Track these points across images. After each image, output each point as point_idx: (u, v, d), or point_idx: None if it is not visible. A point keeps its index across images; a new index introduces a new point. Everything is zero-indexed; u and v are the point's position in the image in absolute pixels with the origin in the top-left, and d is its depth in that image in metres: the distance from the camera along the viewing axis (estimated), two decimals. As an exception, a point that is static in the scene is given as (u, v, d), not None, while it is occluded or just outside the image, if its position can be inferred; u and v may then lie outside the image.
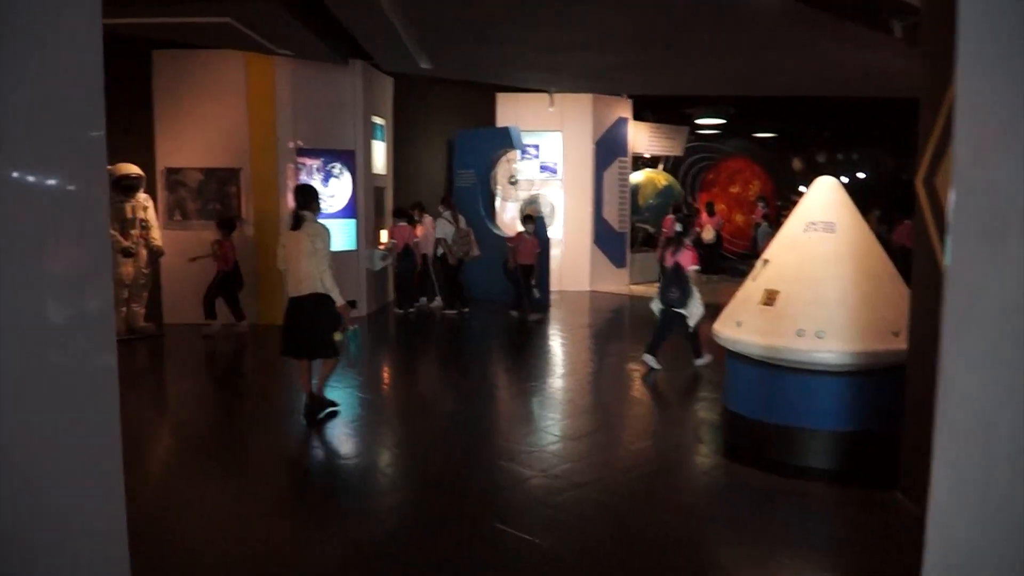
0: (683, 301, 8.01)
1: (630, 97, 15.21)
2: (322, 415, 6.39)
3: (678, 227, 8.34)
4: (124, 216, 9.71)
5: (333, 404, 6.59)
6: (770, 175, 20.01)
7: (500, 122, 14.55)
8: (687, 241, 8.13)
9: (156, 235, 10.05)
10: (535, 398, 7.34)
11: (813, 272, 5.34)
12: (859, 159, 20.15)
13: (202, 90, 10.64)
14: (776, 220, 17.47)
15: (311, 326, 6.24)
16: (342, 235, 11.33)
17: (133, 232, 9.80)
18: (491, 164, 13.57)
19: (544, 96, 14.61)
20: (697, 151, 19.19)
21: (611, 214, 15.21)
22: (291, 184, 10.68)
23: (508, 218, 14.60)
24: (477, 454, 5.71)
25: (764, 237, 17.51)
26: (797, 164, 20.27)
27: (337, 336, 6.28)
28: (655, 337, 8.27)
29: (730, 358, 5.74)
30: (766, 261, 5.75)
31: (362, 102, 11.28)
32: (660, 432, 6.32)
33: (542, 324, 11.55)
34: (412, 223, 12.22)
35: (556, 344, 10.16)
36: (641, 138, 16.03)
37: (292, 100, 10.67)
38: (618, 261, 15.49)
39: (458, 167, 13.72)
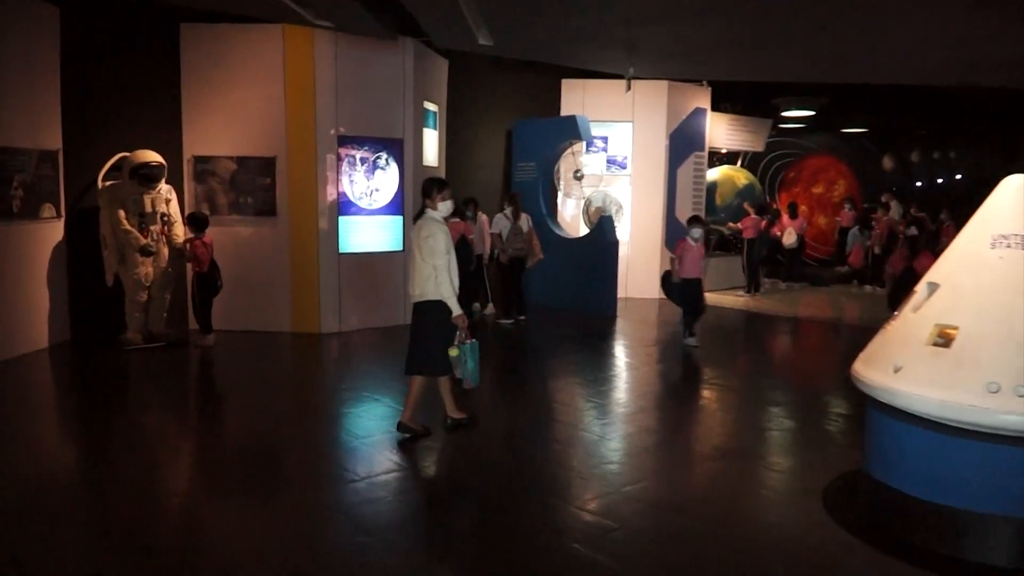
0: None
1: (709, 85, 13.72)
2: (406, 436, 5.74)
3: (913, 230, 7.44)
4: (143, 210, 8.66)
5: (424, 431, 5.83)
6: (857, 175, 18.28)
7: (565, 110, 13.22)
8: None
9: (180, 231, 8.99)
10: (608, 446, 6.01)
11: (1008, 303, 3.92)
12: (957, 159, 18.26)
13: (235, 69, 9.53)
14: (864, 223, 15.80)
15: (419, 338, 5.67)
16: (387, 234, 10.16)
17: (153, 228, 8.74)
18: (554, 157, 12.26)
19: (614, 83, 13.21)
20: (777, 147, 17.54)
21: (684, 214, 13.72)
22: (331, 176, 9.54)
23: (570, 216, 13.28)
24: (548, 521, 4.43)
25: (854, 242, 15.89)
26: (888, 163, 18.49)
27: (453, 351, 5.57)
28: None
29: (877, 411, 4.33)
30: (932, 284, 4.32)
31: (412, 85, 10.07)
32: (778, 500, 4.93)
33: (607, 338, 10.21)
34: (464, 220, 10.97)
35: (632, 362, 8.81)
36: (719, 131, 14.53)
37: (334, 81, 9.50)
38: (691, 266, 14.01)
39: (518, 159, 12.43)
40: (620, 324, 11.00)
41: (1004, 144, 17.95)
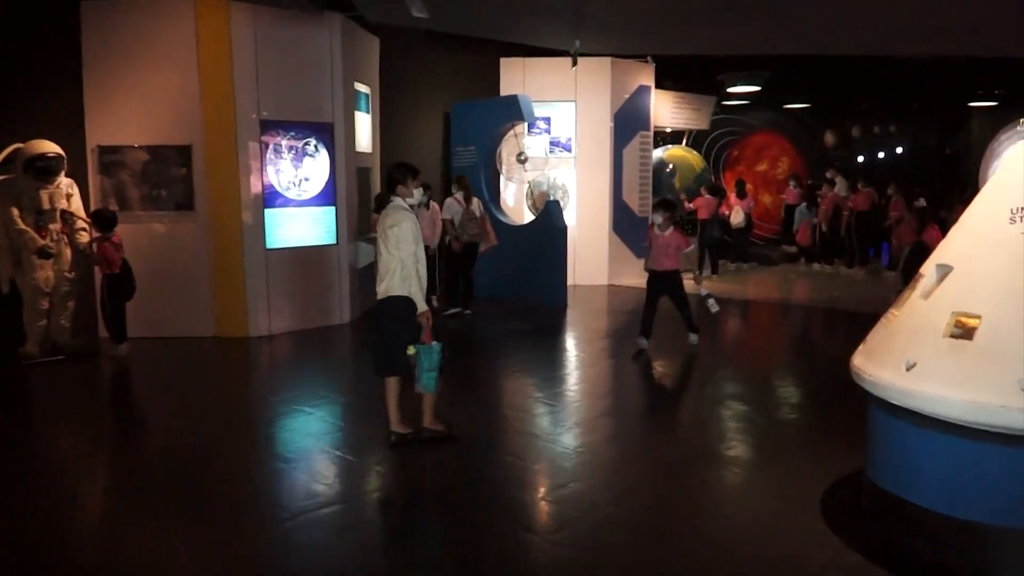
0: None
1: (653, 61, 13.20)
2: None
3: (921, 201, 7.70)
4: (40, 206, 7.70)
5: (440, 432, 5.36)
6: (799, 151, 18.06)
7: (504, 91, 12.55)
8: None
9: (84, 229, 8.03)
10: (574, 460, 5.41)
11: (1037, 287, 3.42)
12: (896, 133, 18.20)
13: (143, 49, 8.58)
14: (810, 200, 15.54)
15: (388, 336, 5.18)
16: (319, 227, 9.37)
17: (52, 227, 7.79)
18: (495, 139, 11.58)
19: (556, 61, 12.60)
20: (721, 125, 17.18)
21: (631, 197, 13.25)
22: (254, 165, 8.70)
23: (513, 201, 12.64)
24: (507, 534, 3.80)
25: (801, 220, 15.62)
26: (830, 138, 18.32)
27: (410, 350, 5.06)
28: None
29: (885, 413, 3.82)
30: (943, 267, 3.81)
31: (341, 65, 9.27)
32: (769, 514, 4.40)
33: (559, 332, 9.64)
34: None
35: (589, 358, 8.24)
36: (664, 109, 14.05)
37: (254, 61, 8.63)
38: (640, 250, 13.52)
39: (456, 143, 11.71)
40: (571, 315, 10.43)
41: (943, 118, 17.96)
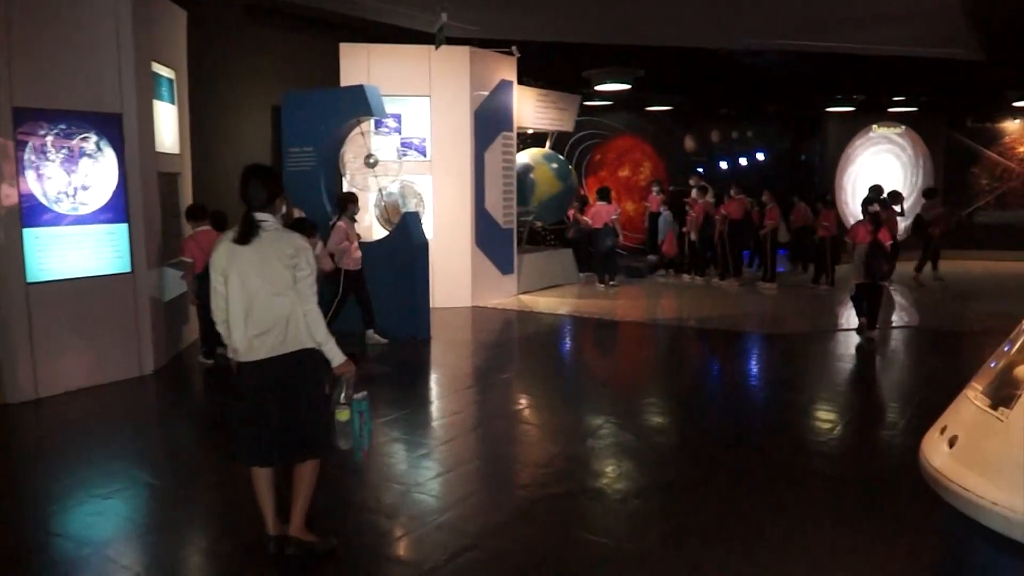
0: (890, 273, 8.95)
1: (519, 53, 11.70)
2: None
3: (874, 207, 9.28)
4: None
5: (330, 542, 3.90)
6: (661, 156, 17.22)
7: (345, 82, 10.62)
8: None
9: None
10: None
11: None
12: (754, 138, 17.75)
13: None
14: (678, 208, 14.63)
15: (297, 406, 3.76)
16: (105, 250, 7.13)
17: None
18: (338, 139, 9.64)
19: (406, 49, 10.85)
20: (582, 127, 15.97)
21: (495, 205, 11.71)
22: (5, 168, 6.37)
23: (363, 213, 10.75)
24: None
25: (666, 229, 14.68)
26: (690, 144, 17.60)
27: (342, 415, 3.86)
28: (865, 310, 8.81)
29: (1009, 558, 2.37)
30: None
31: (132, 40, 7.08)
32: None
33: (423, 373, 7.91)
34: (222, 228, 8.15)
35: (474, 414, 6.52)
36: (527, 108, 12.59)
37: (6, 30, 6.31)
38: (505, 266, 12.02)
39: (289, 143, 9.67)
40: (436, 349, 8.70)
41: (798, 122, 17.68)
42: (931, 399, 6.69)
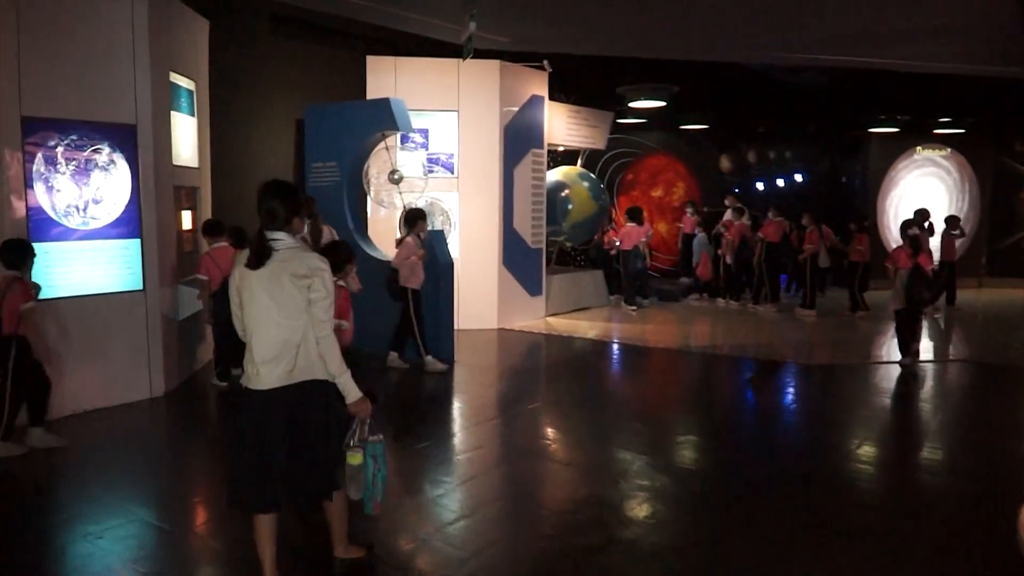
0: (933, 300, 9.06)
1: (551, 67, 11.34)
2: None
3: (913, 230, 8.80)
4: None
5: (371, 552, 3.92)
6: (695, 176, 16.74)
7: (372, 96, 10.33)
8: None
9: None
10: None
11: None
12: (792, 158, 17.21)
13: None
14: (711, 230, 14.15)
15: (310, 441, 3.40)
16: (117, 266, 6.84)
17: None
18: (362, 154, 9.33)
19: (435, 62, 10.55)
20: (614, 145, 15.55)
21: (523, 225, 11.32)
22: (13, 179, 6.11)
23: (388, 230, 10.42)
24: None
25: (701, 251, 14.22)
26: (725, 164, 17.10)
27: (354, 459, 3.57)
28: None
29: None
30: None
31: (148, 48, 6.82)
32: None
33: (445, 402, 7.51)
34: (241, 244, 7.86)
35: (501, 451, 6.10)
36: (558, 124, 12.22)
37: (14, 36, 6.07)
38: (533, 287, 11.62)
39: (312, 158, 9.39)
40: (460, 375, 8.30)
41: (838, 143, 17.12)
42: (985, 441, 6.16)
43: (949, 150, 16.56)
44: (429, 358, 8.26)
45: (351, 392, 3.44)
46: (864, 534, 4.39)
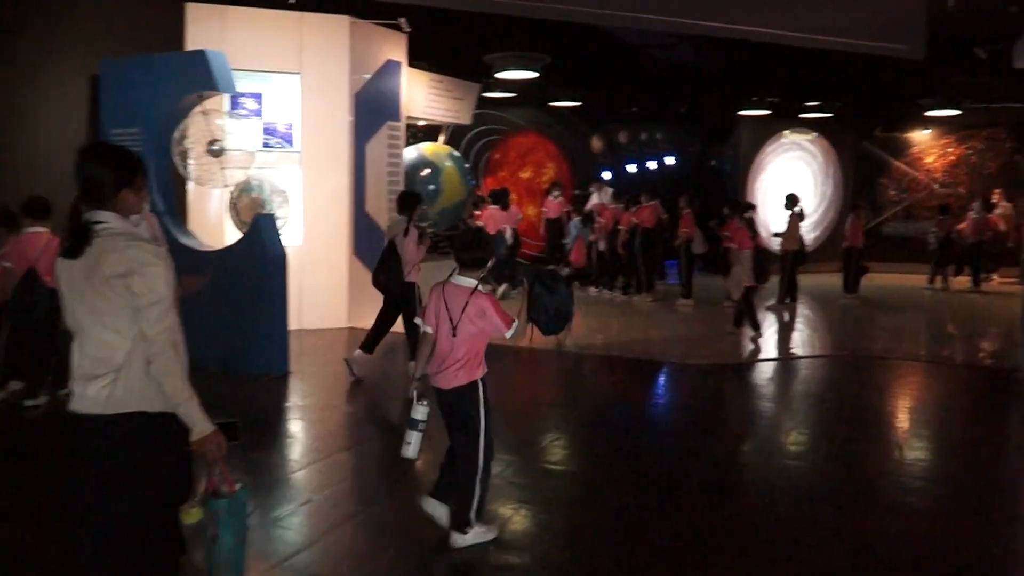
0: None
1: (408, 28, 9.95)
2: None
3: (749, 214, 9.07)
4: None
5: None
6: (566, 157, 15.79)
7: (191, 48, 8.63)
8: None
9: None
10: None
11: None
12: (664, 140, 16.60)
13: None
14: (588, 215, 13.21)
15: (102, 504, 2.47)
16: None
17: None
18: (174, 118, 7.64)
19: (271, 14, 8.96)
20: (480, 122, 14.33)
21: (377, 209, 9.93)
22: None
23: (212, 214, 8.78)
24: None
25: (575, 236, 13.26)
26: (597, 144, 16.25)
27: (192, 515, 2.61)
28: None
29: None
30: None
31: None
32: None
33: (276, 430, 6.07)
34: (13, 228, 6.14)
35: (345, 502, 4.74)
36: (418, 95, 10.86)
37: None
38: (390, 279, 10.24)
39: (110, 124, 7.60)
40: (296, 390, 6.87)
41: (709, 126, 16.64)
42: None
43: (815, 135, 16.42)
44: (359, 352, 7.01)
45: (197, 423, 2.54)
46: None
